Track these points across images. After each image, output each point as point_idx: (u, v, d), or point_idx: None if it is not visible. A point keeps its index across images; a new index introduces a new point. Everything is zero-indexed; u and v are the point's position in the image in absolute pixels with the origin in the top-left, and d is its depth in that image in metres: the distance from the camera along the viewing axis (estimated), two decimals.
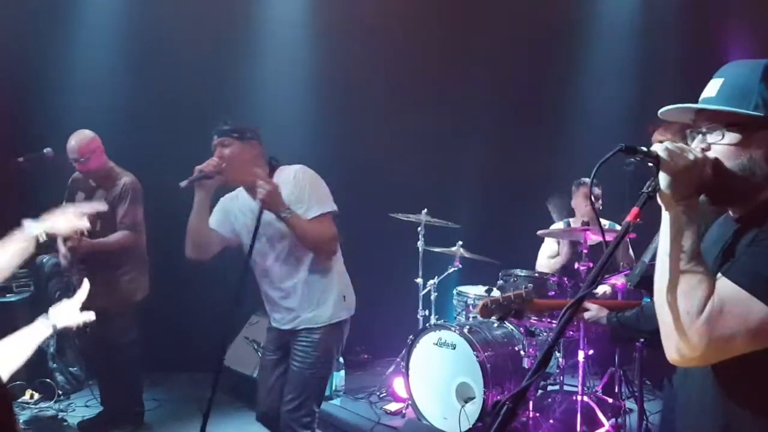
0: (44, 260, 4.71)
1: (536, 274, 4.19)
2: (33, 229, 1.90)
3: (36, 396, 4.47)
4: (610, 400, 4.00)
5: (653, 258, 2.21)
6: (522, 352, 3.95)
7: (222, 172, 2.69)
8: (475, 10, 5.64)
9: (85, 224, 2.01)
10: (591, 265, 3.89)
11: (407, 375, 4.08)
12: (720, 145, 1.31)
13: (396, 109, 5.44)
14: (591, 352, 3.91)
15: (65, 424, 4.18)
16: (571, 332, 3.80)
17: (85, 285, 2.09)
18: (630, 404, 3.98)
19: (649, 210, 1.29)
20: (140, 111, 5.00)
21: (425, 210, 4.58)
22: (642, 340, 2.44)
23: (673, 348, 1.23)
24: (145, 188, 4.04)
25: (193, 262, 2.82)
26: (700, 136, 1.36)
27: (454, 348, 3.86)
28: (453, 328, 3.89)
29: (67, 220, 1.98)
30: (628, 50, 5.71)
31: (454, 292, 4.56)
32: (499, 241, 4.93)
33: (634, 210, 1.27)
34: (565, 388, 4.17)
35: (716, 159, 1.29)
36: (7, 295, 4.53)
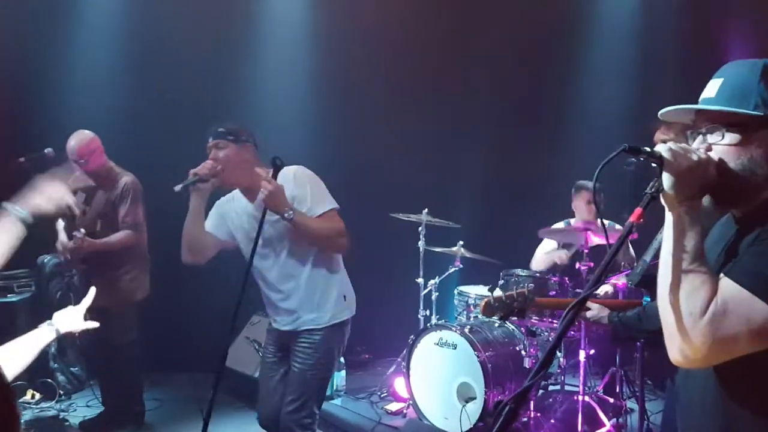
0: (45, 260, 4.71)
1: (537, 274, 4.19)
2: (16, 211, 1.83)
3: (37, 396, 4.47)
4: (612, 400, 4.00)
5: (654, 257, 2.21)
6: (523, 352, 3.95)
7: (217, 175, 2.66)
8: (475, 10, 5.64)
9: (70, 199, 1.94)
10: (592, 264, 3.90)
11: (408, 375, 4.08)
12: (720, 146, 1.31)
13: (396, 109, 5.44)
14: (592, 351, 3.91)
15: (66, 424, 4.18)
16: (572, 332, 3.80)
17: (91, 292, 2.09)
18: (631, 404, 3.98)
19: (649, 209, 1.29)
20: (140, 111, 5.01)
21: (426, 210, 4.58)
22: (642, 339, 2.44)
23: (676, 349, 1.23)
24: (145, 188, 4.05)
25: (190, 266, 2.81)
26: (700, 136, 1.36)
27: (455, 348, 3.86)
28: (454, 328, 3.89)
29: (50, 198, 1.90)
30: (628, 50, 5.70)
31: (455, 291, 4.56)
32: (499, 240, 4.93)
33: (638, 210, 1.26)
34: (567, 387, 4.17)
35: (720, 159, 1.29)
36: (9, 296, 4.54)
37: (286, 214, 2.56)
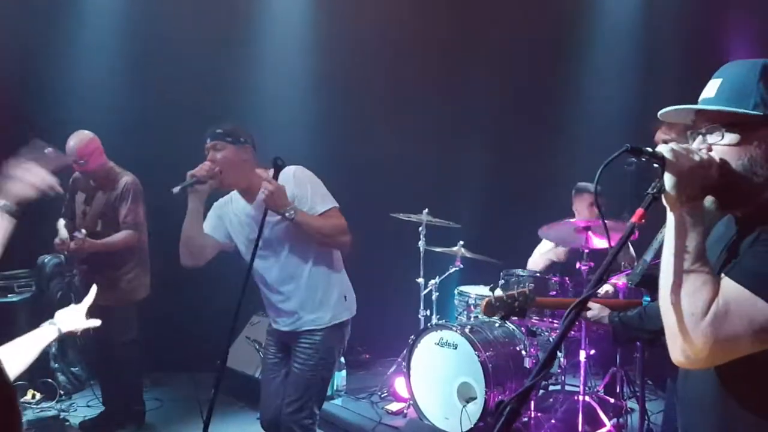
0: (45, 260, 4.72)
1: (537, 274, 4.19)
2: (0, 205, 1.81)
3: (38, 396, 4.48)
4: (612, 400, 4.00)
5: (655, 257, 2.21)
6: (523, 352, 3.95)
7: (215, 177, 2.64)
8: (476, 10, 5.64)
9: (50, 179, 1.91)
10: (592, 264, 3.89)
11: (408, 375, 4.08)
12: (720, 146, 1.31)
13: (397, 109, 5.44)
14: (592, 351, 3.91)
15: (67, 424, 4.18)
16: (572, 332, 3.79)
17: (92, 290, 2.08)
18: (632, 404, 3.98)
19: (649, 209, 1.29)
20: (140, 111, 5.01)
21: (426, 210, 4.58)
22: (643, 339, 2.43)
23: (678, 350, 1.23)
24: (145, 188, 4.05)
25: (189, 268, 2.80)
26: (700, 137, 1.36)
27: (456, 348, 3.86)
28: (454, 328, 3.89)
29: (30, 183, 1.88)
30: (629, 50, 5.70)
31: (456, 291, 4.56)
32: (499, 240, 4.93)
33: (639, 211, 1.26)
34: (567, 387, 4.16)
35: (722, 160, 1.29)
36: (9, 296, 4.54)
37: (287, 214, 2.55)
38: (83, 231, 3.79)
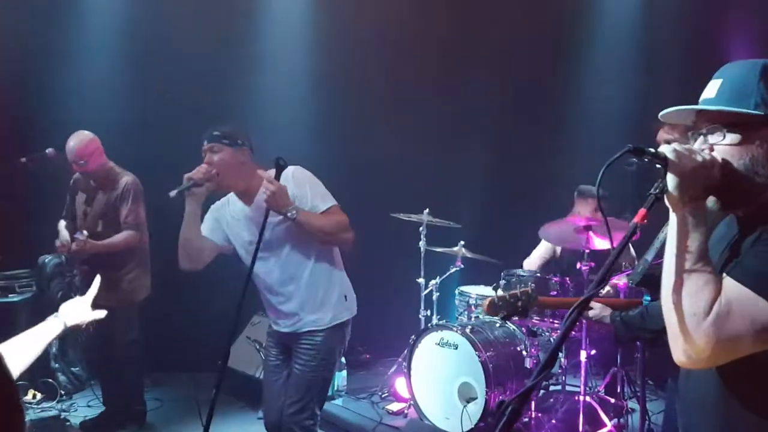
0: (46, 260, 4.72)
1: (538, 274, 4.19)
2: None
3: (38, 396, 4.48)
4: (613, 400, 4.01)
5: (656, 256, 2.21)
6: (524, 353, 3.95)
7: (212, 179, 2.63)
8: (476, 10, 5.64)
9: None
10: (593, 264, 3.89)
11: (409, 375, 4.08)
12: (722, 146, 1.31)
13: (397, 109, 5.44)
14: (593, 352, 3.91)
15: (67, 424, 4.18)
16: (573, 332, 3.79)
17: (96, 281, 2.07)
18: (632, 404, 3.98)
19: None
20: (140, 111, 5.01)
21: (427, 210, 4.58)
22: (644, 339, 2.43)
23: (679, 350, 1.23)
24: (145, 188, 4.05)
25: (188, 272, 2.78)
26: (701, 137, 1.36)
27: (456, 348, 3.86)
28: (455, 328, 3.89)
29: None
30: (629, 50, 5.70)
31: (456, 292, 4.56)
32: (500, 241, 4.93)
33: (642, 211, 1.26)
34: (568, 388, 4.16)
35: (724, 160, 1.29)
36: (10, 296, 4.54)
37: (289, 214, 2.54)
38: (84, 232, 3.79)
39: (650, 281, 2.20)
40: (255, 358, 4.39)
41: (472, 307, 4.35)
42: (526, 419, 3.79)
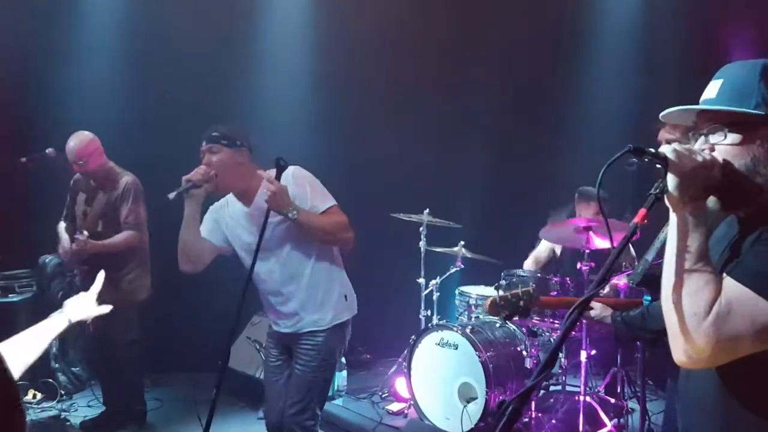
0: (47, 260, 4.72)
1: (538, 274, 4.19)
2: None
3: (39, 396, 4.48)
4: (613, 400, 4.01)
5: (656, 256, 2.21)
6: (524, 353, 3.95)
7: (210, 181, 2.62)
8: (476, 10, 5.64)
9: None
10: (593, 264, 3.89)
11: (409, 375, 4.08)
12: (723, 146, 1.31)
13: (397, 109, 5.44)
14: (593, 352, 3.90)
15: (68, 423, 4.18)
16: (573, 332, 3.79)
17: (100, 277, 2.05)
18: (632, 404, 3.98)
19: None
20: (140, 111, 5.01)
21: (427, 210, 4.58)
22: (645, 339, 2.43)
23: (680, 350, 1.23)
24: (145, 188, 4.04)
25: (188, 274, 2.78)
26: (702, 138, 1.36)
27: (457, 348, 3.86)
28: (455, 328, 3.89)
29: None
30: (629, 50, 5.70)
31: (456, 292, 4.56)
32: (500, 241, 4.93)
33: (642, 211, 1.26)
34: (568, 388, 4.17)
35: (725, 161, 1.30)
36: (10, 296, 4.54)
37: (290, 214, 2.53)
38: (85, 233, 3.79)
39: (651, 281, 2.19)
40: (255, 359, 4.39)
41: (473, 307, 4.35)
42: (527, 419, 3.79)
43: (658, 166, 1.26)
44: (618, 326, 2.17)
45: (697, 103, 1.38)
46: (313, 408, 2.74)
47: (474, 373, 3.74)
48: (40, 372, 4.44)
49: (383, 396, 4.60)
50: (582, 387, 3.75)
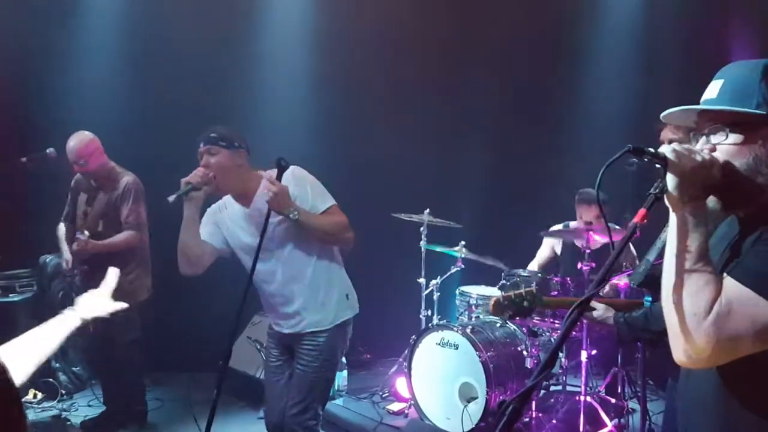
0: (47, 260, 4.72)
1: (539, 274, 4.19)
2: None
3: (39, 395, 4.48)
4: (613, 401, 4.01)
5: (658, 257, 2.20)
6: (524, 353, 3.95)
7: (209, 183, 2.61)
8: (476, 10, 5.64)
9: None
10: (594, 265, 3.89)
11: (410, 375, 4.08)
12: (724, 146, 1.31)
13: (397, 109, 5.44)
14: (594, 352, 3.91)
15: (68, 423, 4.18)
16: (573, 332, 3.79)
17: (113, 273, 2.03)
18: (633, 404, 3.99)
19: (652, 208, 1.29)
20: (140, 111, 5.01)
21: (427, 210, 4.58)
22: (648, 340, 2.43)
23: (680, 350, 1.23)
24: (145, 188, 4.04)
25: (188, 277, 2.77)
26: (703, 138, 1.36)
27: (457, 348, 3.86)
28: (456, 328, 3.89)
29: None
30: (629, 50, 5.70)
31: (457, 292, 4.56)
32: (500, 241, 4.93)
33: (642, 211, 1.27)
34: (568, 388, 4.17)
35: (726, 161, 1.30)
36: (11, 295, 4.54)
37: (291, 215, 2.53)
38: (86, 233, 3.79)
39: (652, 282, 2.19)
40: (255, 358, 4.39)
41: (473, 307, 4.36)
42: (527, 419, 3.79)
43: (658, 166, 1.27)
44: (620, 327, 2.17)
45: (698, 103, 1.38)
46: (315, 408, 2.74)
47: (474, 373, 3.74)
48: (40, 371, 4.41)
49: (384, 396, 4.60)
50: (582, 387, 3.75)
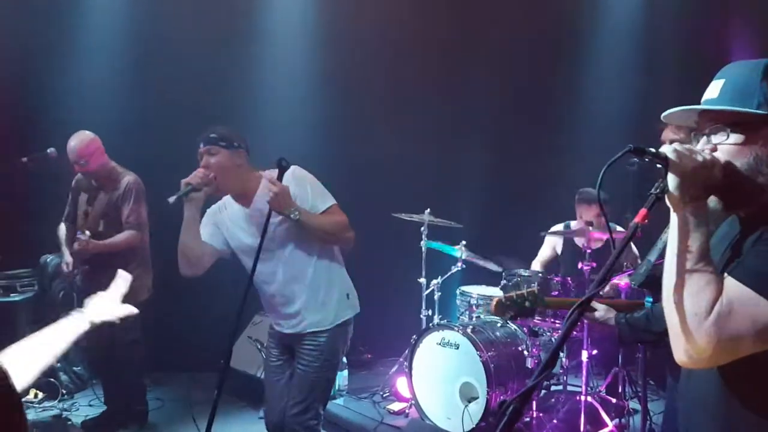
0: (48, 260, 4.72)
1: (539, 274, 4.19)
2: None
3: (40, 395, 4.47)
4: (614, 401, 4.01)
5: (659, 257, 2.20)
6: (525, 352, 3.95)
7: (209, 183, 2.61)
8: (476, 10, 5.64)
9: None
10: (594, 264, 3.90)
11: (410, 375, 4.08)
12: (725, 146, 1.31)
13: (397, 109, 5.45)
14: (594, 352, 3.91)
15: (69, 423, 4.18)
16: (574, 332, 3.79)
17: (125, 277, 2.02)
18: (634, 404, 3.99)
19: (654, 208, 1.29)
20: (140, 111, 5.01)
21: (428, 210, 4.58)
22: (649, 341, 2.43)
23: (681, 350, 1.23)
24: (146, 188, 4.04)
25: (189, 277, 2.76)
26: (704, 138, 1.36)
27: (458, 348, 3.86)
28: (456, 328, 3.89)
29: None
30: (629, 50, 5.71)
31: (457, 291, 4.57)
32: (500, 241, 4.93)
33: (643, 211, 1.27)
34: (569, 388, 4.17)
35: (726, 161, 1.30)
36: (11, 295, 4.53)
37: (292, 215, 2.52)
38: (87, 233, 3.78)
39: (653, 282, 2.19)
40: (256, 358, 4.40)
41: (474, 306, 4.36)
42: (528, 419, 3.79)
43: (659, 166, 1.26)
44: (622, 328, 2.16)
45: (699, 103, 1.38)
46: (316, 408, 2.74)
47: (475, 373, 3.74)
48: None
49: (384, 396, 4.60)
50: (583, 387, 3.75)
